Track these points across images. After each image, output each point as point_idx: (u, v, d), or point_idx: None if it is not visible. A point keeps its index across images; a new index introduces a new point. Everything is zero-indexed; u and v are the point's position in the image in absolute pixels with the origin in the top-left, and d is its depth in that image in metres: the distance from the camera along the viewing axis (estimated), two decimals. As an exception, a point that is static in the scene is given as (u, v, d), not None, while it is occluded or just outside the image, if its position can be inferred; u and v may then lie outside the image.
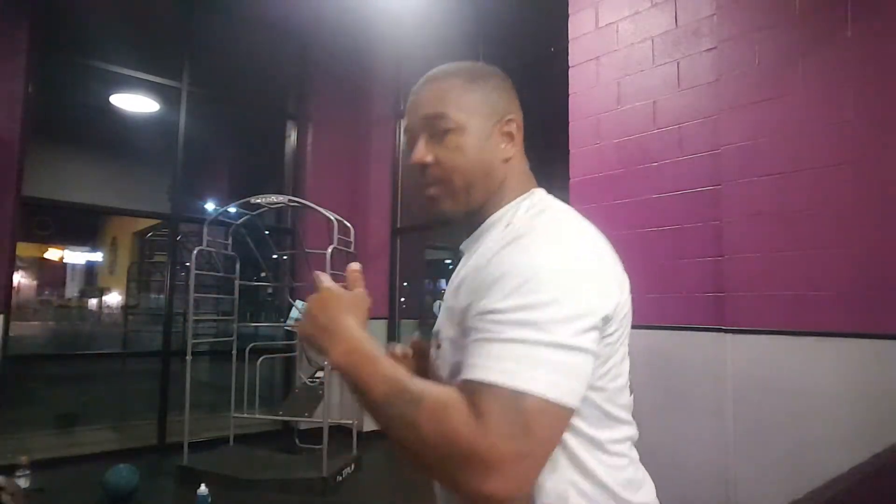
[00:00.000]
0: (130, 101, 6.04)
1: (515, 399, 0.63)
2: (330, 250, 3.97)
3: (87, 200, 6.13)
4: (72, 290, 15.20)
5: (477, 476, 0.61)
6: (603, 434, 0.76)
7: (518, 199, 0.86)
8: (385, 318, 5.36)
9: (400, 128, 5.60)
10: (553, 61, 3.71)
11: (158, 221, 8.31)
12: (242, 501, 3.53)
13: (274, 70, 5.85)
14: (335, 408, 4.70)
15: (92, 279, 14.98)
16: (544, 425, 0.64)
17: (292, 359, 5.18)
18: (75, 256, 15.28)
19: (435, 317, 0.93)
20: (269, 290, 7.84)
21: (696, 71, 2.84)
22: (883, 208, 2.19)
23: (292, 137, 5.77)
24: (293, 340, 5.14)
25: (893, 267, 2.15)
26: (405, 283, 5.74)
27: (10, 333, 4.07)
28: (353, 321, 0.77)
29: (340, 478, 3.90)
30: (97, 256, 14.66)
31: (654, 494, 0.85)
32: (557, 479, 0.73)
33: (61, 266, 15.33)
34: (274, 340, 5.79)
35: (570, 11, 3.45)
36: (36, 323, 12.46)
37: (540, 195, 0.87)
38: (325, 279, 0.80)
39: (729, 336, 2.56)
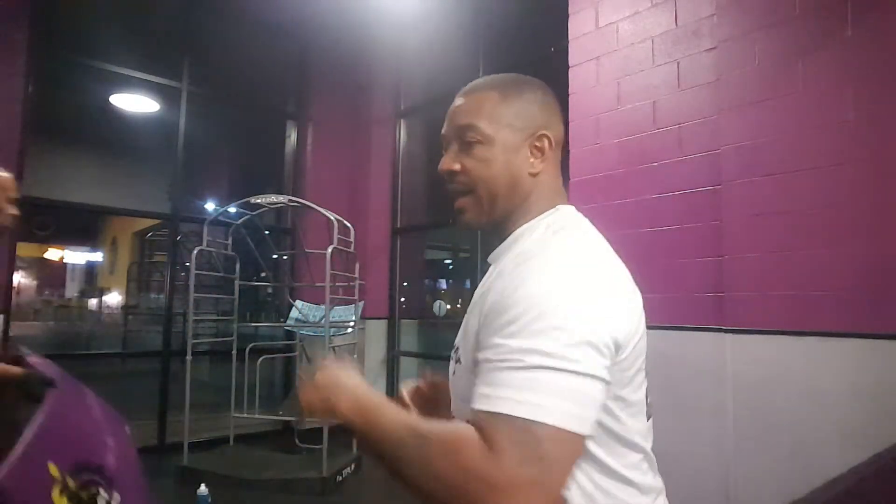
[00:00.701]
0: (130, 101, 6.04)
1: (528, 429, 0.63)
2: (330, 250, 3.96)
3: (87, 200, 6.13)
4: (72, 291, 15.22)
5: None
6: (614, 460, 0.76)
7: (543, 215, 0.86)
8: (385, 318, 5.36)
9: (400, 127, 5.61)
10: (553, 61, 3.71)
11: (158, 221, 8.32)
12: (242, 501, 3.53)
13: (274, 70, 5.85)
14: (335, 408, 4.69)
15: (92, 279, 15.00)
16: (558, 453, 0.64)
17: (292, 359, 5.18)
18: (75, 256, 15.30)
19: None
20: (269, 290, 7.84)
21: (696, 71, 2.84)
22: (883, 208, 2.19)
23: (292, 137, 5.76)
24: (293, 340, 5.14)
25: (894, 267, 2.15)
26: (405, 283, 5.74)
27: (11, 333, 4.07)
28: (355, 378, 0.79)
29: (340, 478, 3.90)
30: (97, 256, 14.67)
31: None
32: None
33: (61, 266, 15.34)
34: (274, 340, 5.79)
35: (570, 11, 3.45)
36: (36, 323, 12.47)
37: (564, 212, 0.87)
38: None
39: (729, 336, 2.56)
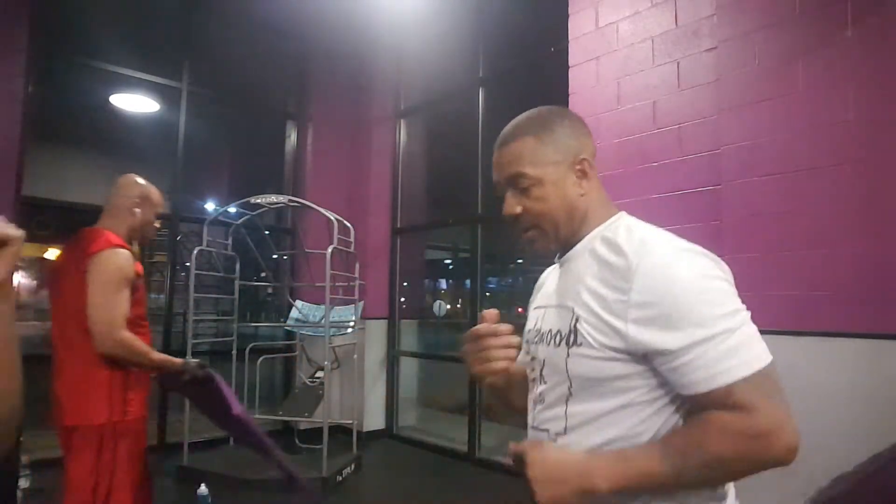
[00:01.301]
0: (130, 101, 6.04)
1: (761, 378, 0.80)
2: (330, 250, 3.97)
3: (87, 200, 6.12)
4: (72, 290, 15.17)
5: (780, 449, 0.79)
6: None
7: (610, 221, 0.99)
8: (385, 318, 5.36)
9: (400, 127, 5.61)
10: (553, 61, 3.71)
11: (158, 221, 8.31)
12: (242, 501, 3.53)
13: (274, 70, 5.85)
14: (335, 408, 4.70)
15: (92, 279, 14.96)
16: (779, 380, 0.82)
17: (292, 359, 5.18)
18: (75, 256, 15.25)
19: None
20: (269, 290, 7.85)
21: (696, 71, 2.84)
22: (883, 208, 2.19)
23: (292, 137, 5.76)
24: (293, 340, 5.15)
25: (893, 267, 2.15)
26: (405, 283, 5.74)
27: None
28: (566, 453, 0.88)
29: (340, 478, 3.90)
30: (97, 256, 14.64)
31: None
32: None
33: (61, 266, 15.28)
34: (274, 340, 5.79)
35: (570, 11, 3.46)
36: (37, 323, 12.45)
37: (631, 218, 1.00)
38: (527, 451, 0.88)
39: (729, 336, 2.55)
